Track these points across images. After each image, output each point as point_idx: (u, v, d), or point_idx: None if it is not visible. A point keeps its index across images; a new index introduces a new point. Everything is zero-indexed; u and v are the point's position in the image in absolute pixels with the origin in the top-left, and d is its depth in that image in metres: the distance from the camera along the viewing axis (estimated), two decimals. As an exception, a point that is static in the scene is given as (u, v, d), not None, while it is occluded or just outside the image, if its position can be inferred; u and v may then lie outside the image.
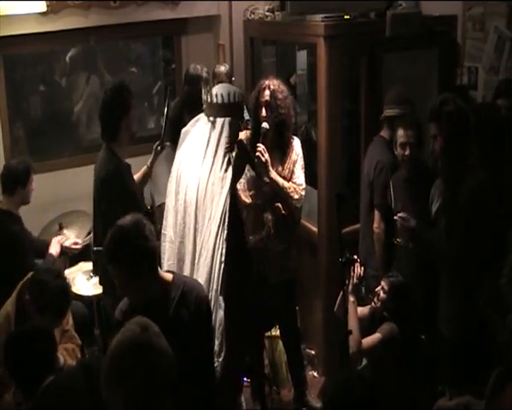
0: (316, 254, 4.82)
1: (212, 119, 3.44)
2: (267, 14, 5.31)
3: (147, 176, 4.42)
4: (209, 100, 3.44)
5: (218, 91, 3.44)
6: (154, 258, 2.78)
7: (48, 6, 5.06)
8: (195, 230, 3.35)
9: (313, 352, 5.06)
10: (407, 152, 4.07)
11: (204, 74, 5.11)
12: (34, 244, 4.51)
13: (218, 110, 3.42)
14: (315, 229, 4.80)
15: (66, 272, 4.90)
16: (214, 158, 3.38)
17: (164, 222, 3.56)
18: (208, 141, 3.42)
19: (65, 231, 4.87)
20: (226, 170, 3.37)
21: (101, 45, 6.00)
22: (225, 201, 3.30)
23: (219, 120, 3.42)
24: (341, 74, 4.59)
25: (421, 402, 3.78)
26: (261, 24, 5.41)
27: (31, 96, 6.03)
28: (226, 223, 3.30)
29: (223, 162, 3.37)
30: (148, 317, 2.23)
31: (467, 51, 4.92)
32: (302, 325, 4.79)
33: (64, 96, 6.14)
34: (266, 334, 4.76)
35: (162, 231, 3.55)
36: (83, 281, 4.68)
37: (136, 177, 4.31)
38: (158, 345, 2.11)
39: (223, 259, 3.28)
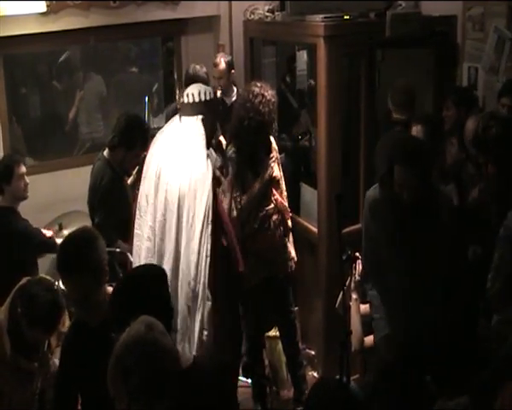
0: (315, 254, 4.82)
1: (184, 118, 3.55)
2: (267, 14, 5.30)
3: (135, 184, 4.53)
4: (181, 101, 3.58)
5: (189, 91, 3.57)
6: None
7: (48, 6, 5.07)
8: (178, 227, 3.40)
9: (313, 352, 5.06)
10: None
11: (202, 74, 5.12)
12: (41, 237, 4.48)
13: (189, 109, 3.54)
14: (315, 229, 4.80)
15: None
16: (194, 155, 3.44)
17: (137, 221, 3.61)
18: (185, 140, 3.50)
19: (64, 231, 4.87)
20: (207, 166, 3.43)
21: (100, 45, 6.01)
22: (208, 196, 3.36)
23: (193, 119, 3.51)
24: (341, 74, 4.59)
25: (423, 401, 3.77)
26: (261, 24, 5.41)
27: (31, 96, 6.04)
28: (210, 218, 3.36)
29: (203, 159, 3.44)
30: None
31: (466, 51, 4.91)
32: (302, 326, 4.79)
33: (63, 97, 6.15)
34: (266, 334, 4.77)
35: (135, 231, 3.61)
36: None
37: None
38: (163, 344, 2.12)
39: (209, 253, 3.35)
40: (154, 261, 3.48)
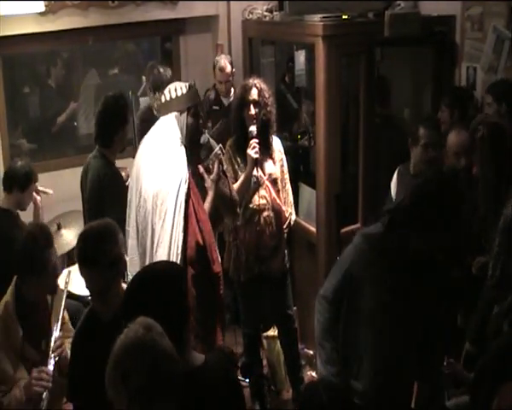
0: (314, 254, 4.81)
1: (161, 118, 3.61)
2: (265, 14, 5.31)
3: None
4: (158, 103, 3.67)
5: (165, 91, 3.62)
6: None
7: (46, 6, 5.06)
8: (153, 223, 3.43)
9: (311, 352, 5.06)
10: (430, 153, 4.04)
11: (166, 78, 5.06)
12: None
13: (164, 109, 3.60)
14: (313, 229, 4.80)
15: (65, 271, 4.90)
16: (167, 152, 3.48)
17: (127, 219, 3.66)
18: (160, 138, 3.55)
19: (63, 231, 4.88)
20: (180, 162, 3.45)
21: (98, 45, 6.00)
22: (178, 192, 3.38)
23: (167, 117, 3.56)
24: (340, 74, 4.59)
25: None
26: (259, 24, 5.41)
27: (29, 96, 6.04)
28: (182, 215, 3.38)
29: (175, 155, 3.47)
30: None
31: (465, 51, 4.91)
32: (300, 325, 4.79)
33: (62, 97, 6.14)
34: (264, 334, 4.77)
35: (126, 228, 3.65)
36: (80, 281, 4.66)
37: None
38: (161, 345, 2.11)
39: (179, 251, 3.37)
40: (137, 259, 3.53)
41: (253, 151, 4.08)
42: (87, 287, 2.90)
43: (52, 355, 3.19)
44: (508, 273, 3.21)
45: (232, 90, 5.43)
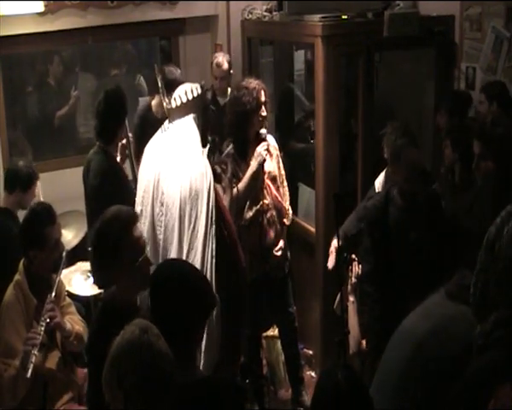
0: (313, 254, 4.82)
1: (176, 121, 3.51)
2: (265, 14, 5.31)
3: None
4: (169, 106, 3.53)
5: (176, 94, 3.53)
6: None
7: (45, 6, 5.06)
8: (180, 230, 3.36)
9: (311, 352, 5.06)
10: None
11: (180, 77, 5.05)
12: None
13: (179, 111, 3.51)
14: (312, 229, 4.80)
15: (65, 271, 4.90)
16: (190, 156, 3.41)
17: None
18: (180, 142, 3.46)
19: (63, 231, 4.86)
20: (206, 165, 3.40)
21: (96, 45, 5.99)
22: (209, 195, 3.32)
23: (185, 120, 3.48)
24: (339, 74, 4.59)
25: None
26: (259, 24, 5.41)
27: (28, 95, 6.03)
28: (214, 218, 3.34)
29: (200, 158, 3.41)
30: None
31: (464, 51, 4.92)
32: (300, 325, 4.79)
33: (61, 96, 6.14)
34: (264, 334, 4.77)
35: None
36: (80, 281, 4.67)
37: None
38: (158, 347, 2.11)
39: (214, 253, 3.32)
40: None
41: (263, 149, 4.07)
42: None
43: (43, 318, 3.27)
44: (489, 291, 3.14)
45: (229, 90, 5.42)
